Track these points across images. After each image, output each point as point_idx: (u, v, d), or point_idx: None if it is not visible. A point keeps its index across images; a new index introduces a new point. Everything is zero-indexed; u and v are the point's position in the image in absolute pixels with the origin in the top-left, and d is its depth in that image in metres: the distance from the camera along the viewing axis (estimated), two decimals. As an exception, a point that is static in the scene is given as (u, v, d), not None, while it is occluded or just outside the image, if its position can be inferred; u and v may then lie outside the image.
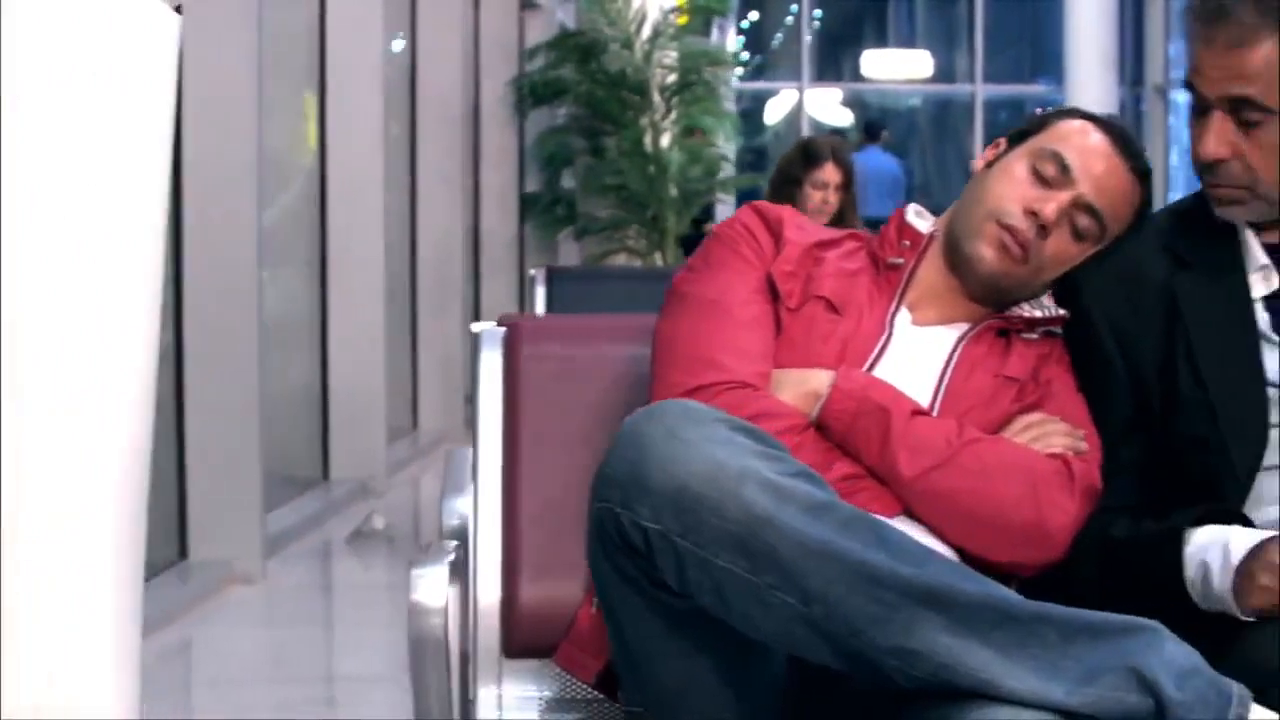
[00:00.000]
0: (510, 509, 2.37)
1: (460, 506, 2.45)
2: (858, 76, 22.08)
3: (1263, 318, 2.20)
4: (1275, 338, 2.18)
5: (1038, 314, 2.31)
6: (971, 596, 1.78)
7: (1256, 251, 2.23)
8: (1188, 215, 2.33)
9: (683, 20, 13.92)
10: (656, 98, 9.32)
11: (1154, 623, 1.80)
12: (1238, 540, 2.04)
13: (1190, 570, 2.06)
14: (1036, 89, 20.13)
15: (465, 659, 2.36)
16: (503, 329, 2.51)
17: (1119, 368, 2.23)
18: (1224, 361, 2.17)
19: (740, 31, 20.97)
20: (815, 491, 1.82)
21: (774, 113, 21.36)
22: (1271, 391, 2.17)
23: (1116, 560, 2.14)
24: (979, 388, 2.24)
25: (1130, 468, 2.21)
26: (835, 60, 22.77)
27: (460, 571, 2.31)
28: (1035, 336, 2.30)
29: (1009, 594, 1.82)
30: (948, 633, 1.74)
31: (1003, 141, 2.42)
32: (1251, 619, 2.01)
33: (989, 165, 2.36)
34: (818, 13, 21.57)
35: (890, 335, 2.26)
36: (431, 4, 8.70)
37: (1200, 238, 2.26)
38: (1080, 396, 2.26)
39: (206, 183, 5.56)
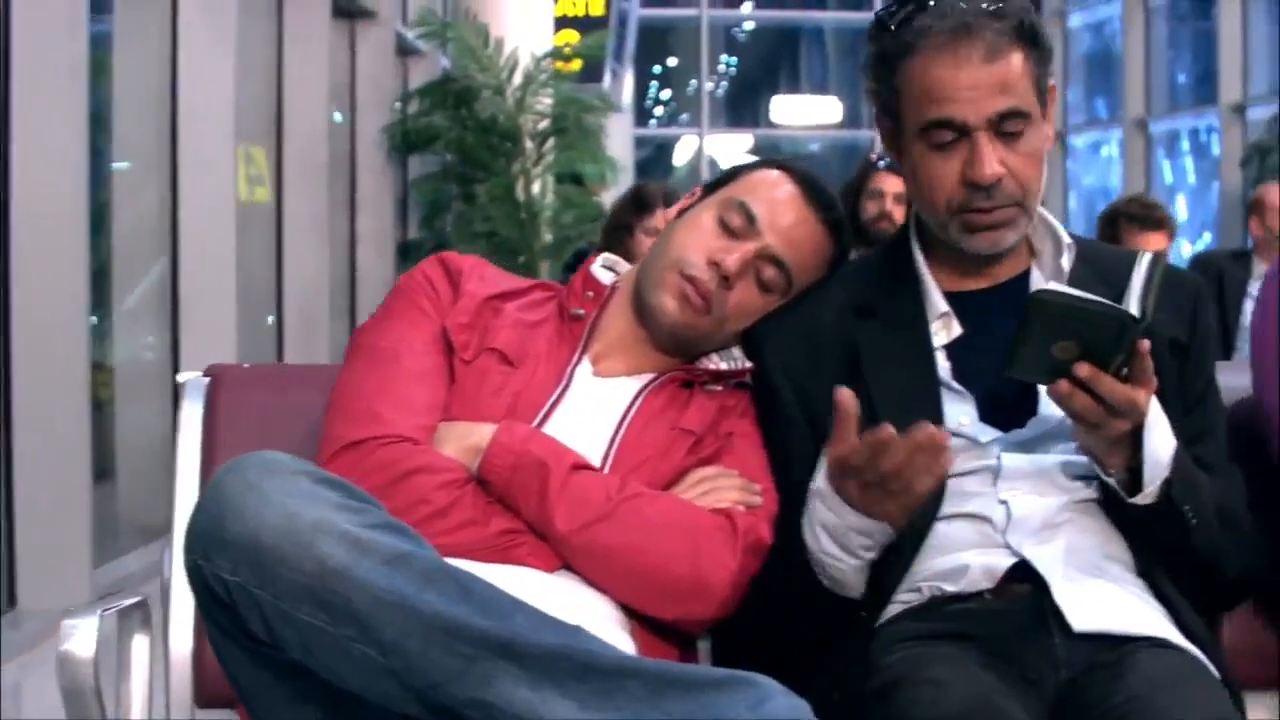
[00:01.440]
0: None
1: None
2: (767, 122, 22.21)
3: (944, 366, 2.21)
4: (956, 385, 2.19)
5: (724, 366, 2.31)
6: (549, 648, 1.75)
7: (937, 300, 2.23)
8: (872, 266, 2.33)
9: (575, 65, 13.99)
10: (528, 144, 9.31)
11: (762, 677, 1.77)
12: (817, 486, 2.07)
13: (813, 553, 2.08)
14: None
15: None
16: (206, 378, 2.49)
17: (799, 420, 2.22)
18: (903, 411, 2.16)
19: (655, 77, 21.05)
20: (398, 543, 1.80)
21: (680, 157, 21.44)
22: (953, 439, 2.16)
23: (774, 596, 2.14)
24: (654, 440, 2.22)
25: None
26: (752, 105, 22.89)
27: (148, 622, 2.30)
28: (721, 388, 2.29)
29: (598, 646, 1.79)
30: (525, 685, 1.72)
31: (698, 190, 2.41)
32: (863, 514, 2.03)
33: (680, 214, 2.35)
34: (733, 60, 21.69)
35: (568, 387, 2.25)
36: (299, 48, 8.67)
37: (883, 288, 2.26)
38: (763, 450, 2.26)
39: (34, 228, 5.52)
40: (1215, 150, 15.51)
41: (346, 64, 10.02)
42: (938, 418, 2.15)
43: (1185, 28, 17.03)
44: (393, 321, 2.26)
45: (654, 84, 21.61)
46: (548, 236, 9.31)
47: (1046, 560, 2.10)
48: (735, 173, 2.38)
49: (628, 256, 5.64)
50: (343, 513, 1.79)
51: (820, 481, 2.06)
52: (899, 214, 5.67)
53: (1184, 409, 2.23)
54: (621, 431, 2.22)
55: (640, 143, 20.25)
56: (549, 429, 2.20)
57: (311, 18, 8.68)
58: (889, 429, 1.95)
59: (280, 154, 8.68)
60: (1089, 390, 2.00)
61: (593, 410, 2.23)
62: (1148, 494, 2.08)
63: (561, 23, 13.94)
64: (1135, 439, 2.07)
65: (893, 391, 2.18)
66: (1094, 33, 18.76)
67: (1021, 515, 2.13)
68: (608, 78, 13.85)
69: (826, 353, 2.22)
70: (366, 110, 10.04)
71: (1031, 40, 2.16)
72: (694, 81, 22.60)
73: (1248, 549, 2.21)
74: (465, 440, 2.16)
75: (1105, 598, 2.10)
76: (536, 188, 9.29)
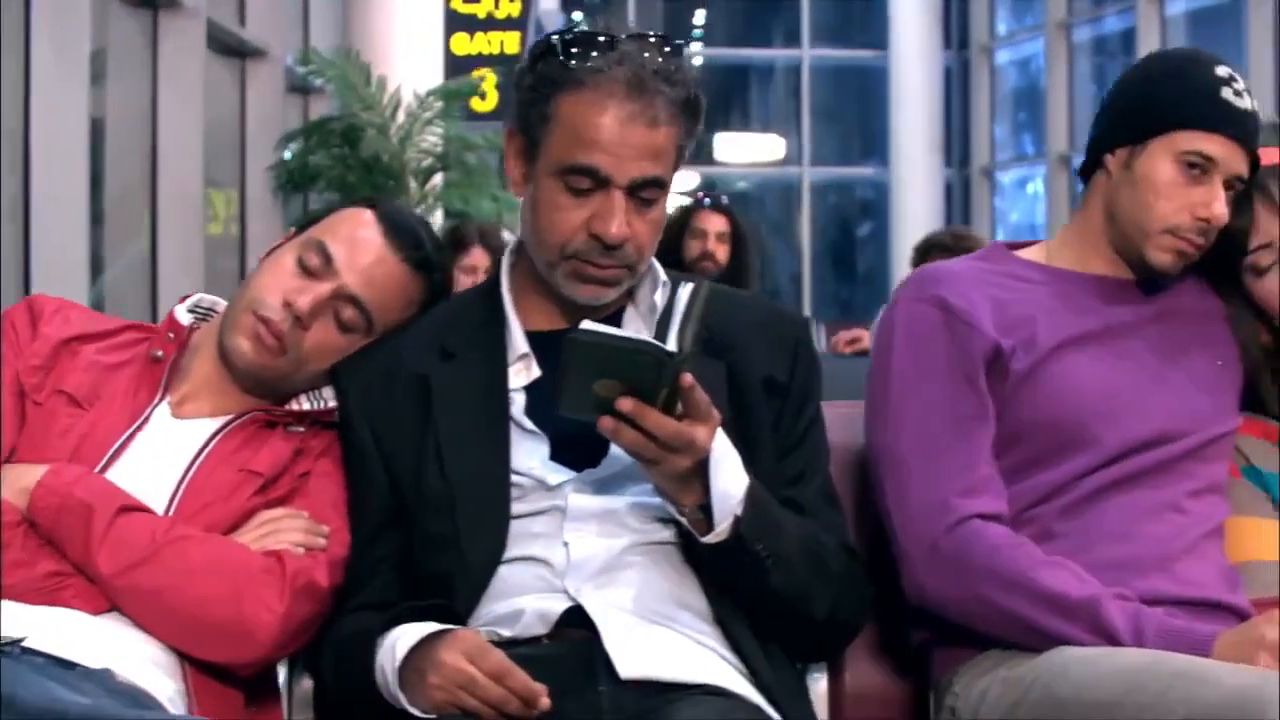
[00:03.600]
0: None
1: None
2: (709, 159, 22.23)
3: (518, 406, 2.17)
4: (529, 426, 2.15)
5: (306, 406, 2.27)
6: (30, 704, 1.71)
7: (519, 341, 2.20)
8: (461, 306, 2.30)
9: (490, 104, 13.96)
10: (412, 183, 9.27)
11: None
12: (404, 640, 2.01)
13: (376, 674, 2.03)
14: (865, 171, 20.30)
15: None
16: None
17: (375, 462, 2.19)
18: (470, 454, 2.14)
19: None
20: None
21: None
22: (521, 480, 2.13)
23: (342, 658, 2.11)
24: (221, 482, 2.19)
25: (384, 564, 2.18)
26: (698, 142, 22.88)
27: None
28: (304, 429, 2.26)
29: (72, 701, 1.75)
30: None
31: (293, 231, 2.38)
32: (427, 716, 1.97)
33: (269, 255, 2.33)
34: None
35: (140, 429, 2.21)
36: (173, 89, 8.65)
37: (469, 328, 2.23)
38: (343, 490, 2.22)
39: None
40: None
41: (236, 102, 9.99)
42: (504, 458, 2.13)
43: (1114, 63, 17.10)
44: None
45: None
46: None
47: (601, 605, 2.06)
48: (328, 213, 2.35)
49: (448, 294, 5.64)
50: None
51: (401, 652, 2.00)
52: (721, 253, 5.65)
53: (781, 450, 2.20)
54: (190, 473, 2.19)
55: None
56: (116, 471, 2.16)
57: (186, 55, 8.65)
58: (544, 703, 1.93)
59: (155, 195, 8.65)
60: (639, 426, 1.97)
61: (164, 452, 2.20)
62: (718, 532, 2.05)
63: (478, 61, 13.95)
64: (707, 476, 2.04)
65: (460, 432, 2.14)
66: (1020, 69, 18.83)
67: (582, 558, 2.09)
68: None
69: (403, 393, 2.19)
70: (257, 149, 10.01)
71: (692, 114, 2.13)
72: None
73: (844, 592, 2.18)
74: (18, 482, 2.12)
75: (660, 644, 2.06)
76: (427, 225, 9.23)
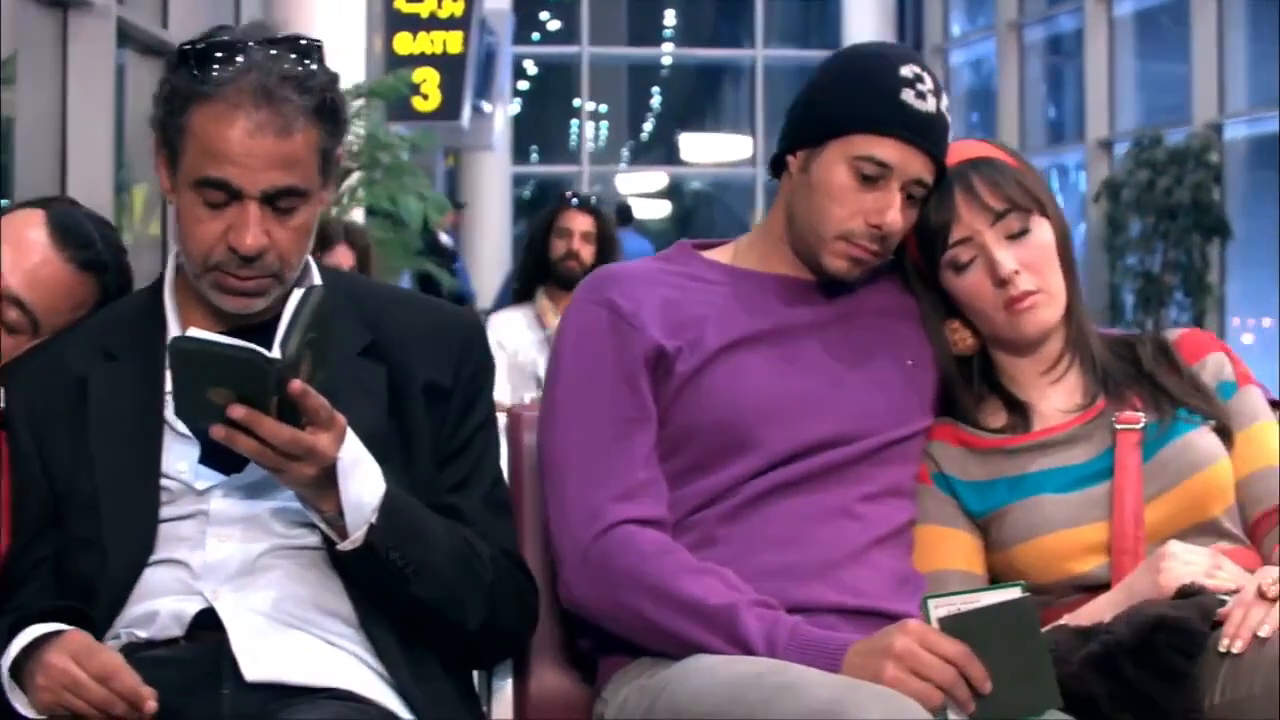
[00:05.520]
0: None
1: None
2: (678, 159, 22.24)
3: (173, 410, 2.15)
4: (180, 429, 2.13)
5: None
6: None
7: None
8: (125, 309, 2.29)
9: (433, 105, 13.94)
10: (327, 181, 9.23)
11: None
12: (18, 642, 2.00)
13: None
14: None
15: None
16: None
17: (35, 465, 2.18)
18: (121, 456, 2.14)
19: (577, 114, 20.98)
20: None
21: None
22: (170, 483, 2.13)
23: None
24: None
25: (42, 567, 2.16)
26: (664, 142, 22.91)
27: None
28: None
29: None
30: None
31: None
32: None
33: None
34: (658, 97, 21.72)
35: None
36: (83, 89, 8.62)
37: (131, 332, 2.22)
38: (6, 494, 2.21)
39: None
40: (1083, 187, 15.52)
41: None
42: (153, 461, 2.13)
43: (1071, 64, 17.08)
44: None
45: (576, 122, 21.59)
46: (350, 271, 9.24)
47: (234, 607, 2.06)
48: None
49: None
50: None
51: (13, 653, 2.00)
52: (586, 253, 5.65)
53: (443, 455, 2.20)
54: None
55: (521, 180, 20.28)
56: None
57: (96, 55, 8.63)
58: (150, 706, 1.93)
59: (64, 194, 8.61)
60: (256, 434, 1.96)
61: None
62: (352, 540, 2.05)
63: (420, 61, 13.93)
64: None
65: (112, 434, 2.14)
66: (973, 70, 18.79)
67: (218, 560, 2.09)
68: (465, 115, 13.79)
69: (63, 394, 2.18)
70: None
71: (330, 117, 2.12)
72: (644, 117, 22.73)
73: (500, 601, 2.18)
74: None
75: (291, 648, 2.05)
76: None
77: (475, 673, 2.35)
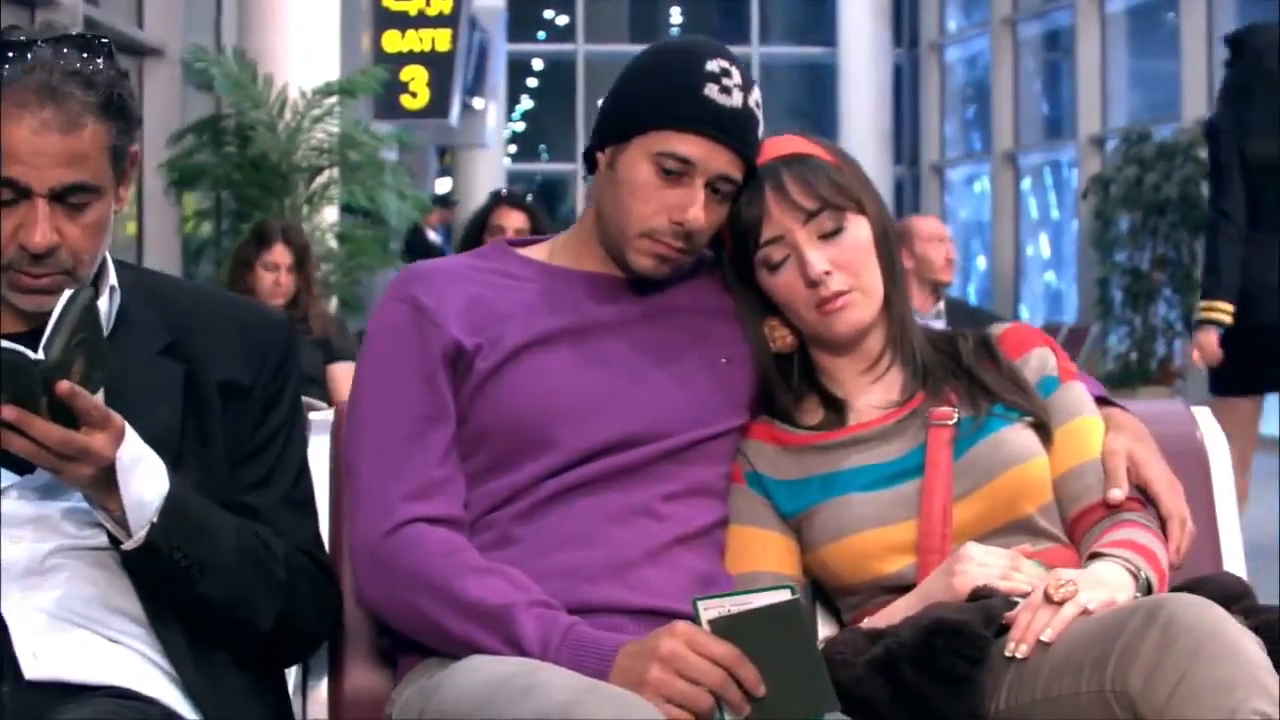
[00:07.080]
0: None
1: None
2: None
3: None
4: None
5: None
6: None
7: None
8: None
9: (421, 102, 13.96)
10: (299, 180, 9.25)
11: None
12: None
13: None
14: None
15: None
16: None
17: None
18: None
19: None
20: None
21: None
22: None
23: None
24: None
25: None
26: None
27: None
28: None
29: None
30: None
31: None
32: None
33: None
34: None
35: None
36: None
37: None
38: None
39: None
40: (1075, 183, 15.48)
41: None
42: None
43: (1066, 60, 17.04)
44: None
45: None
46: (325, 268, 9.24)
47: (19, 607, 2.06)
48: None
49: (249, 291, 5.65)
50: None
51: None
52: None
53: (241, 454, 2.20)
54: None
55: (519, 178, 20.27)
56: None
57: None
58: None
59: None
60: (29, 435, 1.97)
61: None
62: (134, 540, 2.06)
63: (409, 58, 13.97)
64: None
65: None
66: (968, 66, 18.76)
67: (10, 561, 2.09)
68: (455, 113, 13.82)
69: None
70: (154, 147, 9.99)
71: (118, 113, 2.11)
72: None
73: (296, 600, 2.18)
74: None
75: (73, 646, 2.06)
76: (314, 222, 9.18)
77: (292, 671, 2.36)
